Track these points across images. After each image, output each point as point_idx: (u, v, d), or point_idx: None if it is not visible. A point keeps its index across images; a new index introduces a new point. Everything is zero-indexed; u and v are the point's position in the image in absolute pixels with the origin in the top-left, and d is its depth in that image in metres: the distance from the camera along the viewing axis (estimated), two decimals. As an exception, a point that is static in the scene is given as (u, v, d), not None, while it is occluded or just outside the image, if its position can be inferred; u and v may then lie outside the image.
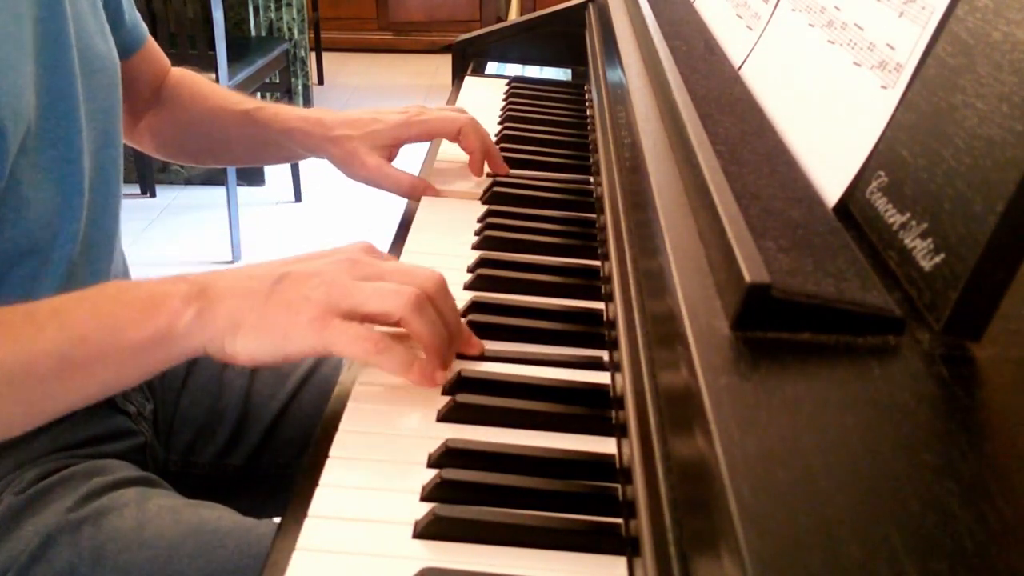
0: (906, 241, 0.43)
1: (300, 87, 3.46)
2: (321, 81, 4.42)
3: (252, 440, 0.89)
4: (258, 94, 2.96)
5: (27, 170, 0.70)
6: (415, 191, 0.90)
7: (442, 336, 0.58)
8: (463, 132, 0.91)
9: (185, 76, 1.01)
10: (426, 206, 0.89)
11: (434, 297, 0.58)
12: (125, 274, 0.88)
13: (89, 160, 0.76)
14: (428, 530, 0.47)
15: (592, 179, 0.94)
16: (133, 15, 0.91)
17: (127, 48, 0.89)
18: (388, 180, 0.90)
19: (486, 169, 0.94)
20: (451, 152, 0.97)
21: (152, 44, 0.96)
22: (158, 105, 0.99)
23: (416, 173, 0.93)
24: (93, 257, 0.78)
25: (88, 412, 0.78)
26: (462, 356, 0.63)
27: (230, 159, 1.11)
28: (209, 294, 0.57)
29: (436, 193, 0.91)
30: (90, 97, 0.76)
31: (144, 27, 0.94)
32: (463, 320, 0.64)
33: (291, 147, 0.95)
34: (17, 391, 0.56)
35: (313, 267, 0.59)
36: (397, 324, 0.57)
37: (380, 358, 0.56)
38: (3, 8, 0.66)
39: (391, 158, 0.92)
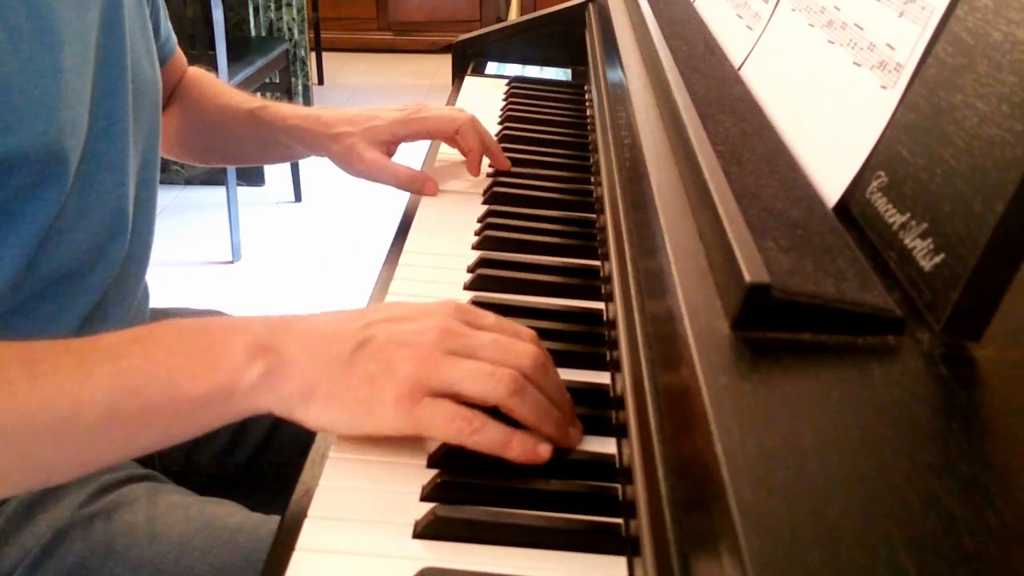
0: (906, 241, 0.43)
1: (300, 87, 3.46)
2: (321, 81, 4.42)
3: (254, 439, 0.89)
4: (258, 94, 2.95)
5: (76, 194, 0.69)
6: (414, 183, 0.90)
7: (548, 414, 0.52)
8: (461, 132, 0.91)
9: (197, 75, 1.02)
10: (426, 206, 0.89)
11: (534, 376, 0.52)
12: (145, 294, 0.87)
13: (134, 181, 0.77)
14: (428, 530, 0.47)
15: (592, 179, 0.94)
16: (167, 26, 0.92)
17: (160, 59, 0.90)
18: (386, 173, 0.90)
19: (486, 168, 0.94)
20: (451, 151, 0.97)
21: (179, 52, 0.98)
22: (171, 104, 1.00)
23: (416, 171, 0.93)
24: (127, 274, 0.78)
25: None
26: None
27: (235, 158, 1.12)
28: (281, 353, 0.52)
29: (435, 186, 0.91)
30: (137, 119, 0.77)
31: (175, 38, 0.95)
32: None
33: (292, 145, 0.95)
34: (62, 440, 0.51)
35: (400, 333, 0.52)
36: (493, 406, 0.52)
37: (476, 438, 0.50)
38: (77, 40, 0.66)
39: (389, 155, 0.92)
